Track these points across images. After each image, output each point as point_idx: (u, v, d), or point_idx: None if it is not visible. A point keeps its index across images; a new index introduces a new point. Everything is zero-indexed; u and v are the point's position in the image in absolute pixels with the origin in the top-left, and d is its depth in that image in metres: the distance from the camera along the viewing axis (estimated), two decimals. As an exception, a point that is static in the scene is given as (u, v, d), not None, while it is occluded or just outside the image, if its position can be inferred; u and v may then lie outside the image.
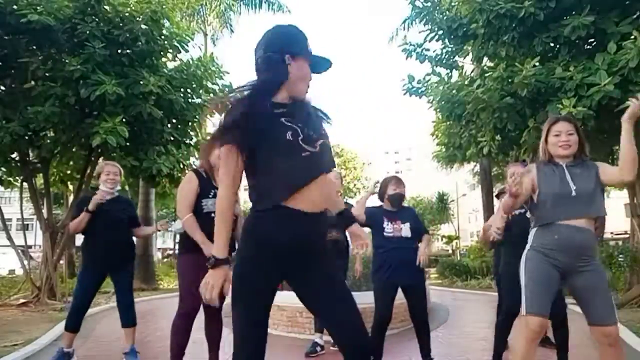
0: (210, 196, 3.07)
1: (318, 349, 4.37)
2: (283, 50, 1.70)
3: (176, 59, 8.70)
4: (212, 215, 2.90)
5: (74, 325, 3.83)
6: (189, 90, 8.42)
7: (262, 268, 1.68)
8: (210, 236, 2.90)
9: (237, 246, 1.78)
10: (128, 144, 7.73)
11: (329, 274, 1.80)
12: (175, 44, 8.20)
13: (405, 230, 3.63)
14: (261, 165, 1.68)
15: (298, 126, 1.69)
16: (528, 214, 3.45)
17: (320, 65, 1.80)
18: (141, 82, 7.22)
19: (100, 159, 8.35)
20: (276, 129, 1.67)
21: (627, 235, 11.88)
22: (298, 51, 1.72)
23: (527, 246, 2.54)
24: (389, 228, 3.61)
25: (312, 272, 1.76)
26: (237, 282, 1.70)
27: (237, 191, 1.75)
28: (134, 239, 4.08)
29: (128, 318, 3.88)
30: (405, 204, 3.87)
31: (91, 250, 3.85)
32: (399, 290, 3.64)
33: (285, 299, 4.61)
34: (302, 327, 5.02)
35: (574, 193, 2.42)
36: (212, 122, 10.57)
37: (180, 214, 3.08)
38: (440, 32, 8.34)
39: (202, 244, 2.97)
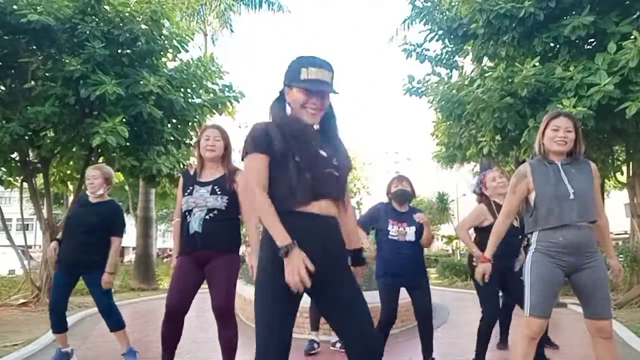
0: (186, 194, 2.99)
1: (315, 345, 4.48)
2: (284, 83, 1.87)
3: (176, 59, 8.68)
4: (186, 213, 2.94)
5: (55, 325, 3.84)
6: (189, 90, 8.40)
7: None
8: (184, 232, 2.94)
9: None
10: (128, 144, 7.72)
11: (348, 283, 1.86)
12: (175, 44, 8.19)
13: (410, 234, 3.52)
14: (283, 170, 1.77)
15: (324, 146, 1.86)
16: (515, 223, 3.37)
17: (313, 85, 1.81)
18: (141, 82, 7.20)
19: (100, 159, 8.35)
20: (306, 138, 1.82)
21: (627, 235, 11.88)
22: (289, 82, 1.84)
23: (532, 248, 2.54)
24: (393, 231, 3.51)
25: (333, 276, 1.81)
26: (271, 281, 1.74)
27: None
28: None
29: (111, 322, 3.83)
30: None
31: (62, 249, 3.83)
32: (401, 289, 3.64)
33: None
34: (302, 327, 5.01)
35: (572, 196, 2.42)
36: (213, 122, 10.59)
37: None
38: (440, 32, 8.33)
39: (173, 251, 3.08)
